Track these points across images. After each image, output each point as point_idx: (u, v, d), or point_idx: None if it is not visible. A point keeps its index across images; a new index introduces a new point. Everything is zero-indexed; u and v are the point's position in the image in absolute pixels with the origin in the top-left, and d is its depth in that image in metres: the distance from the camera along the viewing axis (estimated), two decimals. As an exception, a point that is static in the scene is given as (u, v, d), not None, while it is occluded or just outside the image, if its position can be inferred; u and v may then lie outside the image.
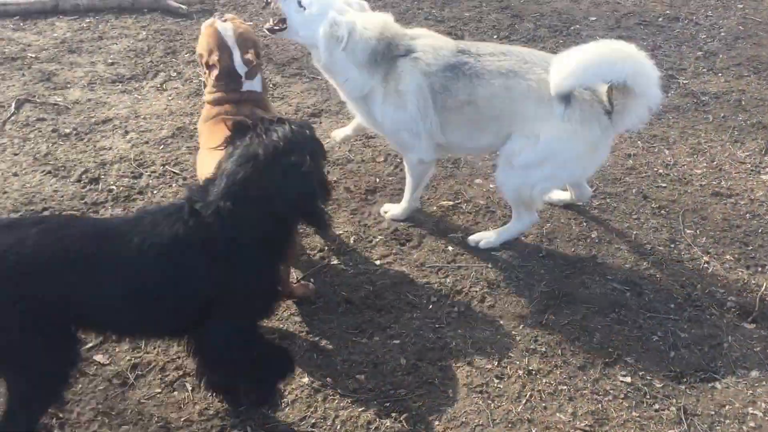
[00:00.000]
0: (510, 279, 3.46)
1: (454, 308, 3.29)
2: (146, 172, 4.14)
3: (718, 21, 6.22)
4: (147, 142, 4.42)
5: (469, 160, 4.34)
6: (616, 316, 3.25)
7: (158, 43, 5.74)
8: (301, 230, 3.41)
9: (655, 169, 4.29)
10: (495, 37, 5.82)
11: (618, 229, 3.80)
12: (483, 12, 6.34)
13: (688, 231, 3.80)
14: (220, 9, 6.43)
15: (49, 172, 4.16)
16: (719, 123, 4.76)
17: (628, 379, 2.96)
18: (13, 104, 4.81)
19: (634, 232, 3.78)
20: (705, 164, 4.34)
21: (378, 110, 3.47)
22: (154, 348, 3.05)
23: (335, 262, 3.56)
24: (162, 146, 4.39)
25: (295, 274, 3.42)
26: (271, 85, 4.98)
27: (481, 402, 2.83)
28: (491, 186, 4.05)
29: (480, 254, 3.62)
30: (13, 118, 4.71)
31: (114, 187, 4.00)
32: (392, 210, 3.83)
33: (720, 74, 5.37)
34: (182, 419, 2.76)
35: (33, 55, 5.49)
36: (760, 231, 3.80)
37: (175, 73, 5.31)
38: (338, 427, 2.75)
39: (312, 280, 3.43)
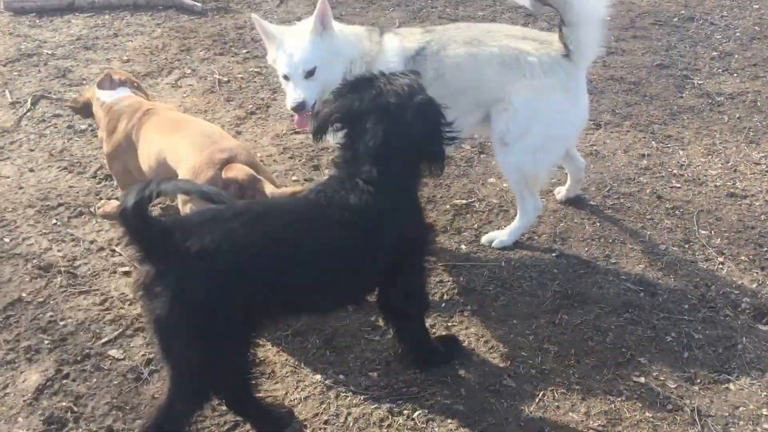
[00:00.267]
0: (523, 278, 3.46)
1: (467, 307, 3.29)
2: (161, 168, 4.16)
3: (733, 21, 6.18)
4: (161, 139, 4.44)
5: (482, 159, 4.34)
6: (630, 317, 3.24)
7: (173, 40, 5.77)
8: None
9: (670, 170, 4.27)
10: (509, 36, 5.81)
11: (632, 229, 3.79)
12: (497, 11, 6.33)
13: (703, 232, 3.78)
14: (234, 7, 6.47)
15: (65, 167, 4.19)
16: (734, 124, 4.73)
17: (642, 380, 2.94)
18: (30, 100, 4.85)
19: (648, 233, 3.77)
20: (720, 165, 4.32)
21: None
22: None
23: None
24: (176, 143, 4.40)
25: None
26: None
27: (493, 400, 2.83)
28: (504, 185, 4.05)
29: (493, 253, 3.62)
30: (29, 114, 4.76)
31: (129, 183, 4.02)
32: None
33: (735, 75, 5.34)
34: (196, 414, 2.77)
35: (49, 52, 5.54)
36: (775, 232, 3.78)
37: (189, 71, 5.34)
38: (351, 425, 2.75)
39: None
